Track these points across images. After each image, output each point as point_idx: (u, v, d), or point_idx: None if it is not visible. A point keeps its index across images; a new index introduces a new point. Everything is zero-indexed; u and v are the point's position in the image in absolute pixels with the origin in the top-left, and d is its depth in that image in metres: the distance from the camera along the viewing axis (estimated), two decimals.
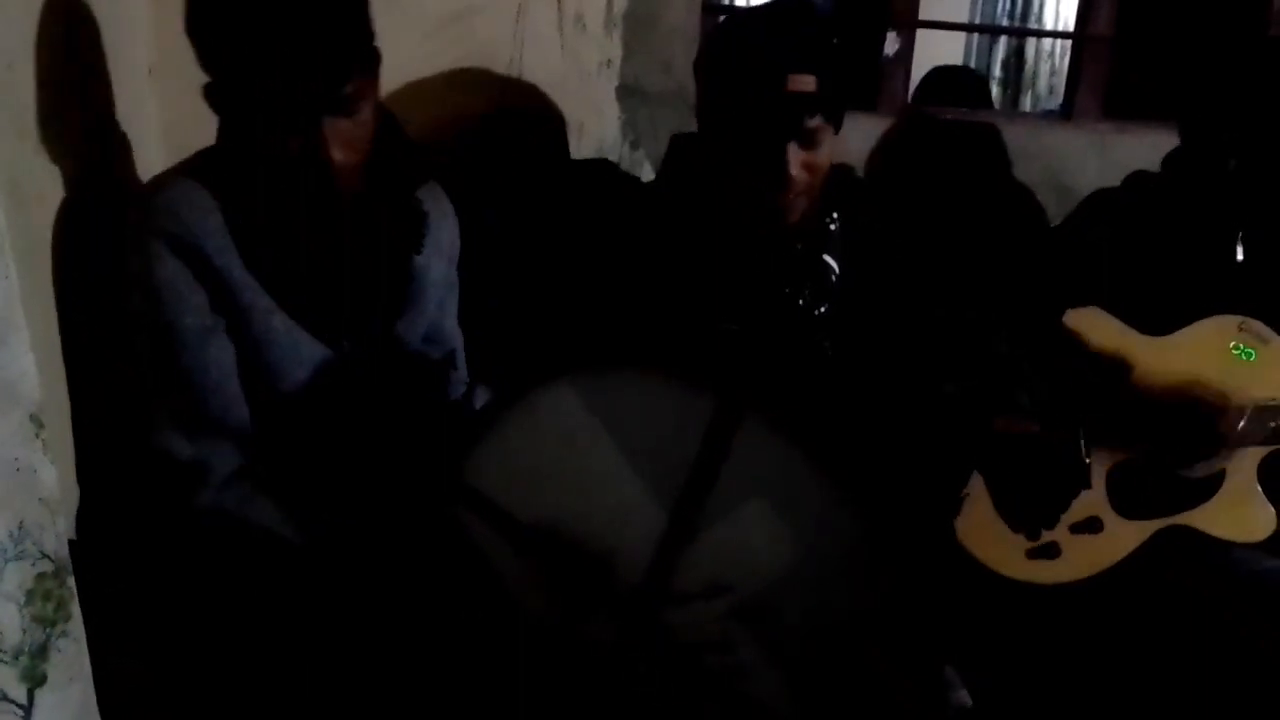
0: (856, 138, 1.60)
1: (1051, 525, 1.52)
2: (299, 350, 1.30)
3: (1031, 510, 1.51)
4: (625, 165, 2.05)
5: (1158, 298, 1.56)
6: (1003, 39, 5.20)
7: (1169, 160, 1.68)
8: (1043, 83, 4.95)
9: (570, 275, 1.49)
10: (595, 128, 2.01)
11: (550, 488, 1.13)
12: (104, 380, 1.32)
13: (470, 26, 1.82)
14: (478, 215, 1.54)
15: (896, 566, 1.16)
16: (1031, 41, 4.96)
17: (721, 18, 1.65)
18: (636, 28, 2.03)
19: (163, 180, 1.28)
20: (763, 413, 1.10)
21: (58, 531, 0.97)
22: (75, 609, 0.99)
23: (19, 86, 1.17)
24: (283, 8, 1.14)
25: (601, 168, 1.98)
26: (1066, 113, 2.29)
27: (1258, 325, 1.54)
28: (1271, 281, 1.58)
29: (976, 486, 1.52)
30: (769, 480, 1.13)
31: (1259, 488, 1.56)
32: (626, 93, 2.06)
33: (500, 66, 1.87)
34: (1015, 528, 1.52)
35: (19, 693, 0.95)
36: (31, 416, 0.94)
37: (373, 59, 1.26)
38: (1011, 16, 5.17)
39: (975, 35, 5.28)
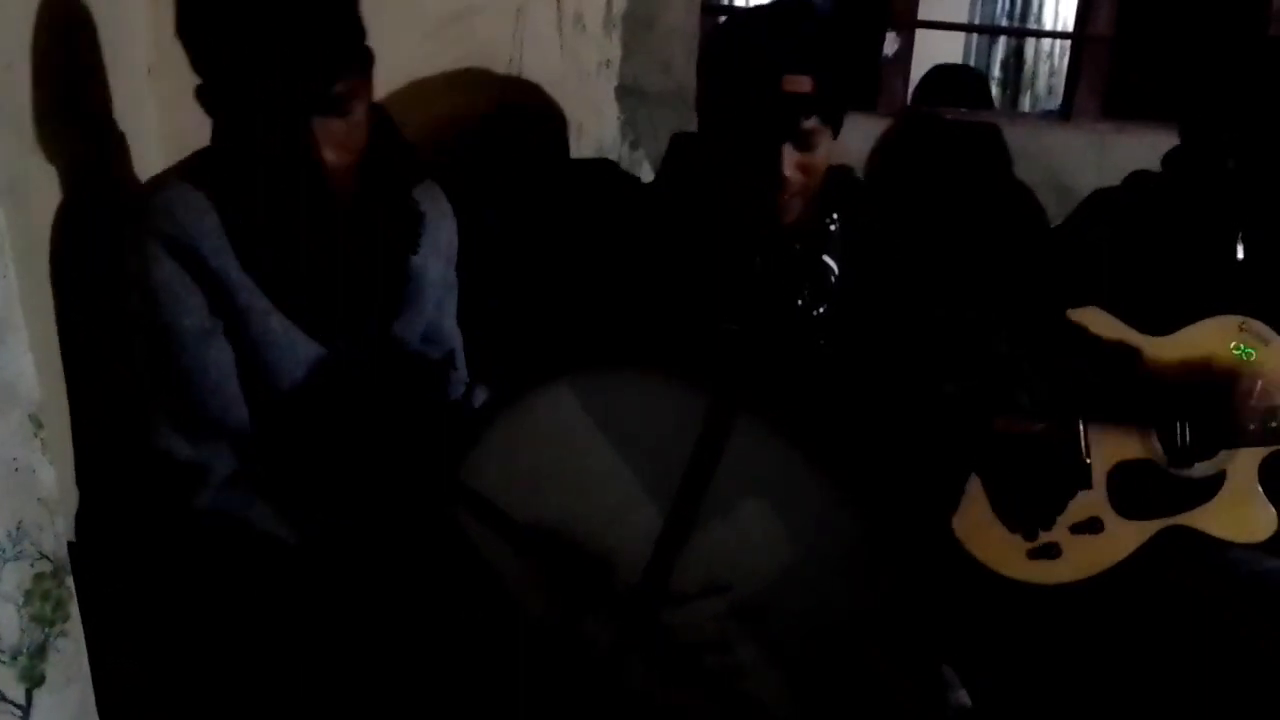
0: (856, 138, 1.60)
1: (1048, 526, 1.52)
2: (296, 351, 1.30)
3: (1029, 510, 1.51)
4: (624, 165, 2.05)
5: (1158, 297, 1.56)
6: (1002, 39, 5.20)
7: (1169, 160, 1.68)
8: (1042, 83, 4.95)
9: (569, 275, 1.49)
10: (594, 128, 2.01)
11: (549, 488, 1.13)
12: (103, 381, 1.32)
13: (470, 27, 1.82)
14: (478, 215, 1.54)
15: (896, 566, 1.16)
16: (1031, 41, 4.96)
17: (722, 18, 1.65)
18: (635, 28, 2.03)
19: (158, 182, 1.28)
20: (761, 413, 1.10)
21: (56, 532, 0.97)
22: (74, 609, 0.99)
23: (18, 87, 1.17)
24: (271, 9, 1.14)
25: (601, 168, 1.98)
26: (1066, 113, 2.28)
27: (1258, 325, 1.54)
28: (1272, 281, 1.58)
29: (974, 487, 1.52)
30: (768, 480, 1.13)
31: (1260, 488, 1.55)
32: (626, 93, 2.06)
33: (500, 67, 1.87)
34: (1012, 528, 1.52)
35: (17, 693, 0.95)
36: (30, 416, 0.94)
37: (364, 59, 1.26)
38: (1011, 17, 5.17)
39: (974, 35, 5.28)
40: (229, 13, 1.14)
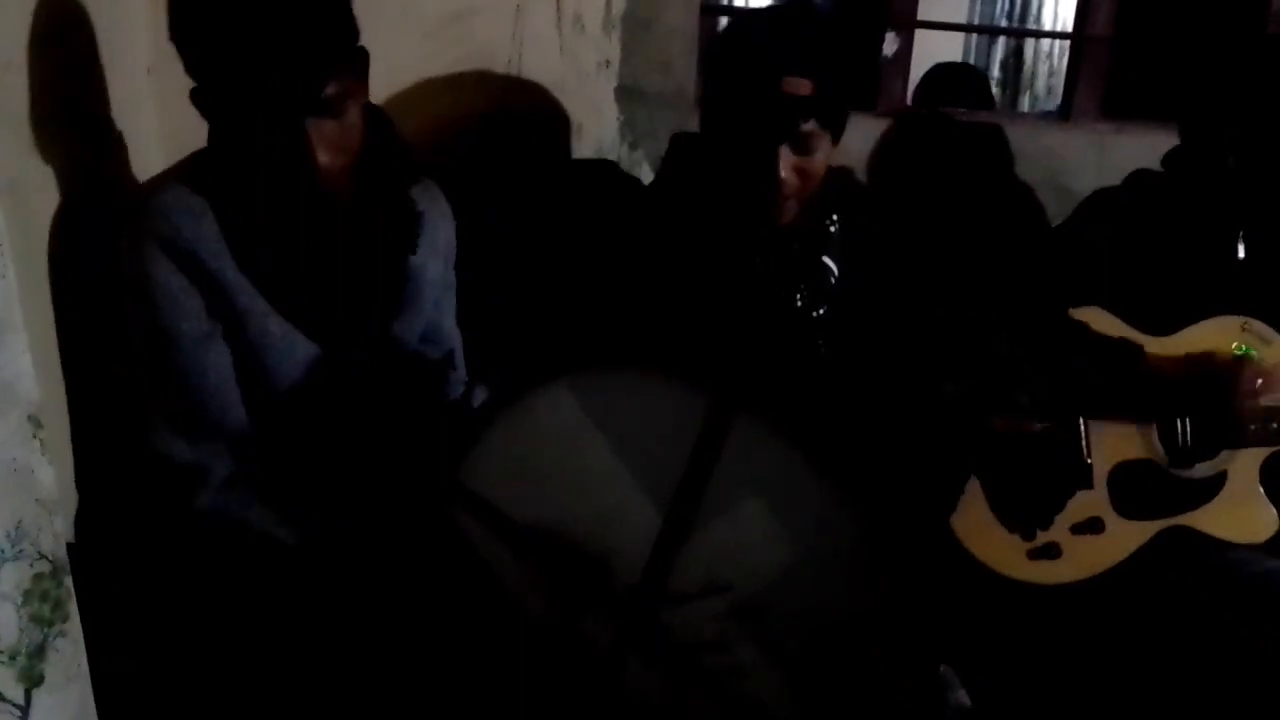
0: (856, 138, 1.61)
1: (1046, 526, 1.52)
2: (295, 352, 1.30)
3: (1027, 510, 1.51)
4: (624, 166, 2.05)
5: (1159, 297, 1.56)
6: (1001, 39, 5.20)
7: (1169, 159, 1.68)
8: (1041, 83, 4.95)
9: (569, 276, 1.49)
10: (594, 128, 2.01)
11: (548, 488, 1.13)
12: (102, 382, 1.32)
13: (469, 27, 1.83)
14: (478, 215, 1.54)
15: (896, 566, 1.16)
16: (1030, 42, 4.96)
17: (721, 18, 1.66)
18: (635, 29, 2.03)
19: (155, 184, 1.28)
20: (760, 413, 1.10)
21: (55, 532, 0.97)
22: (73, 609, 0.99)
23: (16, 87, 1.17)
24: (263, 12, 1.14)
25: (601, 168, 1.98)
26: (1065, 113, 2.28)
27: (1260, 326, 1.54)
28: (1273, 280, 1.58)
29: (974, 487, 1.52)
30: (767, 480, 1.13)
31: (1261, 489, 1.55)
32: (625, 93, 2.06)
33: (499, 67, 1.87)
34: (1011, 528, 1.52)
35: (16, 693, 0.95)
36: (30, 417, 0.94)
37: (357, 60, 1.26)
38: (1010, 17, 5.17)
39: (974, 36, 5.28)
40: (221, 17, 1.15)
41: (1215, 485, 1.55)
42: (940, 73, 3.02)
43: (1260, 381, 1.50)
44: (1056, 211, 2.12)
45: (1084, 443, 1.48)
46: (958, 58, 4.98)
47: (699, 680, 1.14)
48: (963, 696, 1.46)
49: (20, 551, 0.94)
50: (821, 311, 1.46)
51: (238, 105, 1.18)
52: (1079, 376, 1.52)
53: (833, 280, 1.46)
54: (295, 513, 1.28)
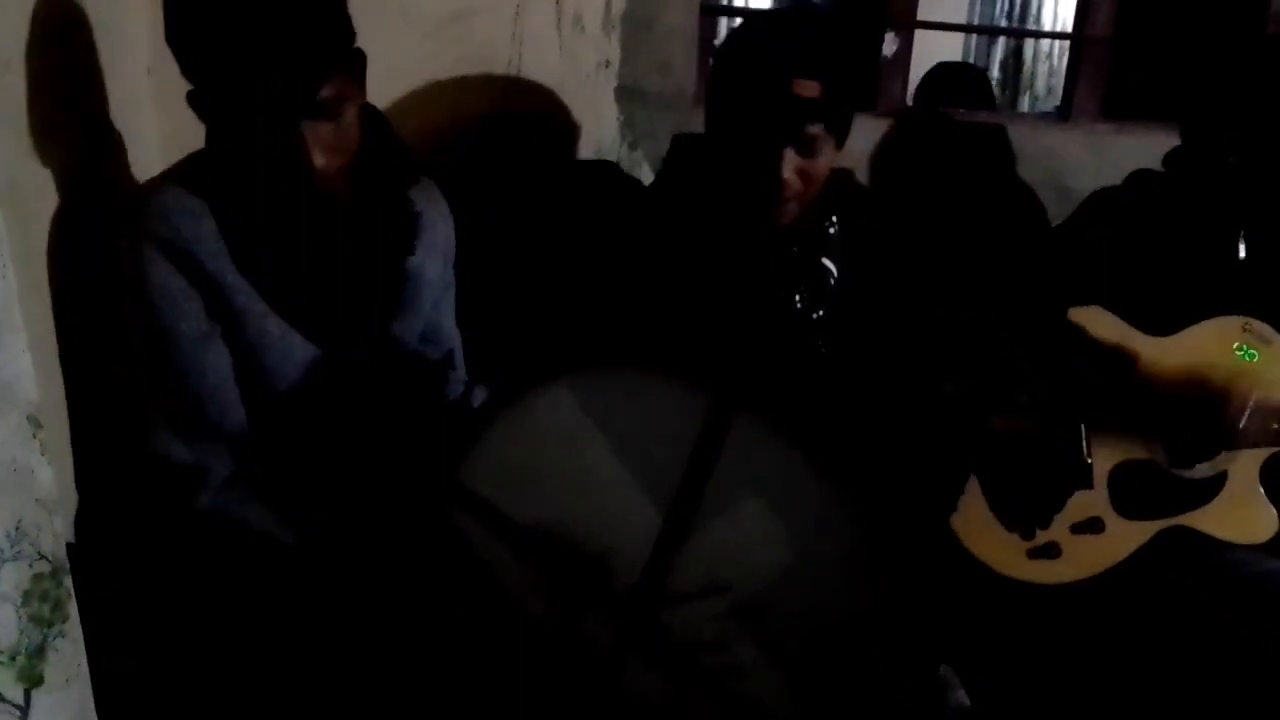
0: (856, 138, 1.61)
1: (1046, 525, 1.52)
2: (294, 353, 1.30)
3: (1026, 510, 1.51)
4: (624, 166, 2.05)
5: (1160, 297, 1.56)
6: (1001, 40, 5.20)
7: (1170, 159, 1.68)
8: (1041, 83, 4.94)
9: (570, 276, 1.49)
10: (594, 129, 2.01)
11: (547, 488, 1.13)
12: (101, 382, 1.32)
13: (469, 27, 1.83)
14: (478, 215, 1.54)
15: (896, 566, 1.16)
16: (1030, 42, 4.95)
17: (721, 18, 1.66)
18: (635, 29, 2.03)
19: (154, 185, 1.28)
20: (760, 414, 1.10)
21: (55, 532, 0.97)
22: (72, 610, 0.99)
23: (16, 87, 1.17)
24: (257, 15, 1.14)
25: (602, 169, 1.98)
26: (1065, 113, 2.28)
27: (1261, 326, 1.54)
28: (1274, 280, 1.58)
29: (974, 486, 1.52)
30: (767, 481, 1.13)
31: (1261, 489, 1.55)
32: (625, 94, 2.06)
33: (499, 67, 1.87)
34: (1010, 527, 1.52)
35: (16, 693, 0.95)
36: (29, 417, 0.94)
37: (353, 61, 1.25)
38: (1010, 17, 5.17)
39: (974, 36, 5.28)
40: (217, 19, 1.14)
41: (1215, 485, 1.55)
42: (941, 72, 3.02)
43: (1253, 403, 1.50)
44: (1056, 211, 2.12)
45: (1084, 443, 1.48)
46: (957, 58, 4.97)
47: (699, 680, 1.14)
48: (962, 697, 1.46)
49: (20, 552, 0.94)
50: (821, 313, 1.46)
51: (234, 108, 1.18)
52: (1079, 376, 1.52)
53: (832, 281, 1.46)
54: (295, 513, 1.28)
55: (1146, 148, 1.78)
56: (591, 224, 1.56)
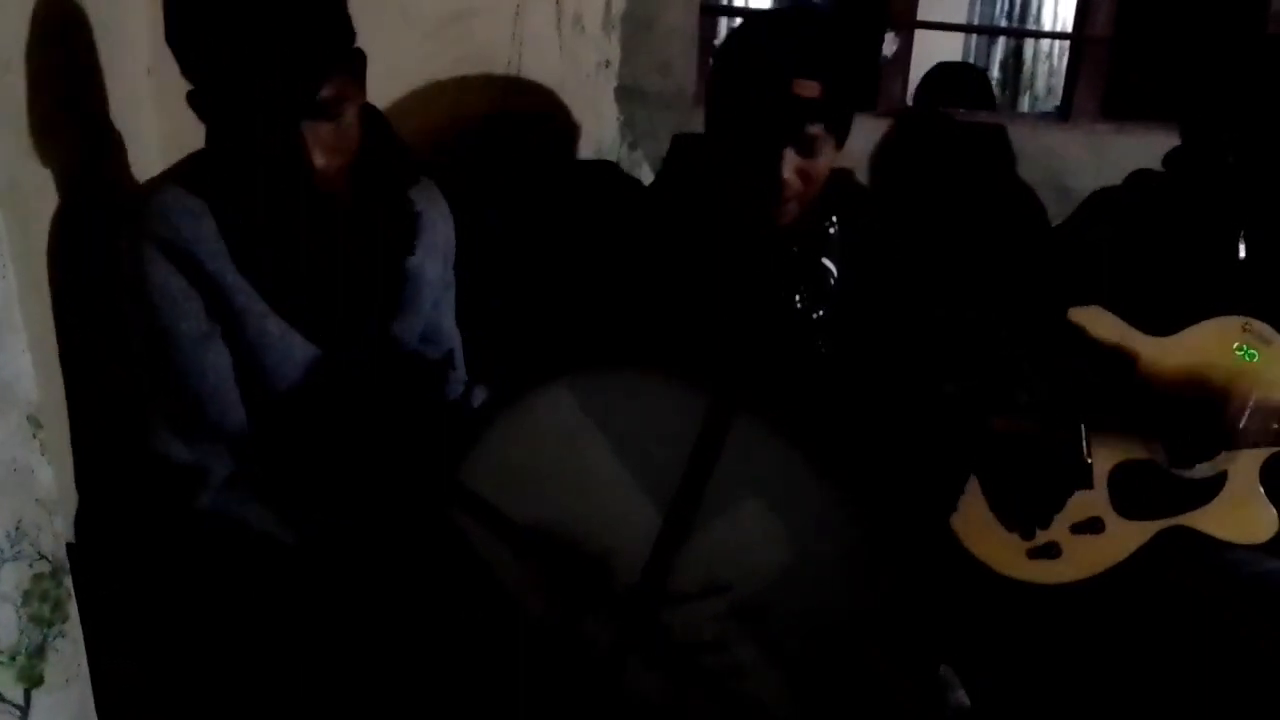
0: (856, 138, 1.61)
1: (1045, 525, 1.52)
2: (294, 353, 1.30)
3: (1026, 510, 1.51)
4: (623, 166, 2.05)
5: (1160, 297, 1.56)
6: (1001, 40, 5.20)
7: (1170, 159, 1.68)
8: (1041, 83, 4.94)
9: (570, 276, 1.49)
10: (593, 129, 2.01)
11: (547, 488, 1.13)
12: (101, 382, 1.32)
13: (469, 28, 1.82)
14: (479, 215, 1.54)
15: (896, 566, 1.16)
16: (1030, 42, 4.95)
17: (721, 18, 1.66)
18: (635, 29, 2.03)
19: (154, 186, 1.28)
20: (760, 414, 1.10)
21: (55, 532, 0.97)
22: (72, 610, 0.99)
23: (16, 88, 1.17)
24: (257, 15, 1.13)
25: (602, 169, 1.98)
26: (1065, 113, 2.28)
27: (1261, 326, 1.54)
28: (1274, 281, 1.58)
29: (974, 486, 1.52)
30: (767, 481, 1.13)
31: (1261, 489, 1.55)
32: (625, 94, 2.06)
33: (499, 67, 1.87)
34: (1010, 527, 1.52)
35: (16, 693, 0.95)
36: (29, 417, 0.94)
37: (352, 61, 1.25)
38: (1010, 17, 5.17)
39: (974, 36, 5.28)
40: (216, 20, 1.14)
41: (1215, 485, 1.55)
42: (941, 72, 3.02)
43: (1253, 403, 1.50)
44: (1055, 212, 2.12)
45: (1084, 443, 1.48)
46: (957, 58, 4.98)
47: (699, 680, 1.14)
48: (962, 697, 1.46)
49: (20, 552, 0.93)
50: (821, 313, 1.46)
51: (234, 108, 1.18)
52: (1079, 376, 1.52)
53: (832, 281, 1.46)
54: (295, 513, 1.28)
55: (1146, 148, 1.78)
56: (592, 224, 1.56)
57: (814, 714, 1.15)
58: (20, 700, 0.95)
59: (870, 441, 1.33)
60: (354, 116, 1.24)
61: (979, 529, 1.52)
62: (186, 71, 1.19)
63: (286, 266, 1.27)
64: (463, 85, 1.84)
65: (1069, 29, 2.86)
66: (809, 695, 1.15)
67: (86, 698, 1.03)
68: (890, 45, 2.19)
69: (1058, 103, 2.67)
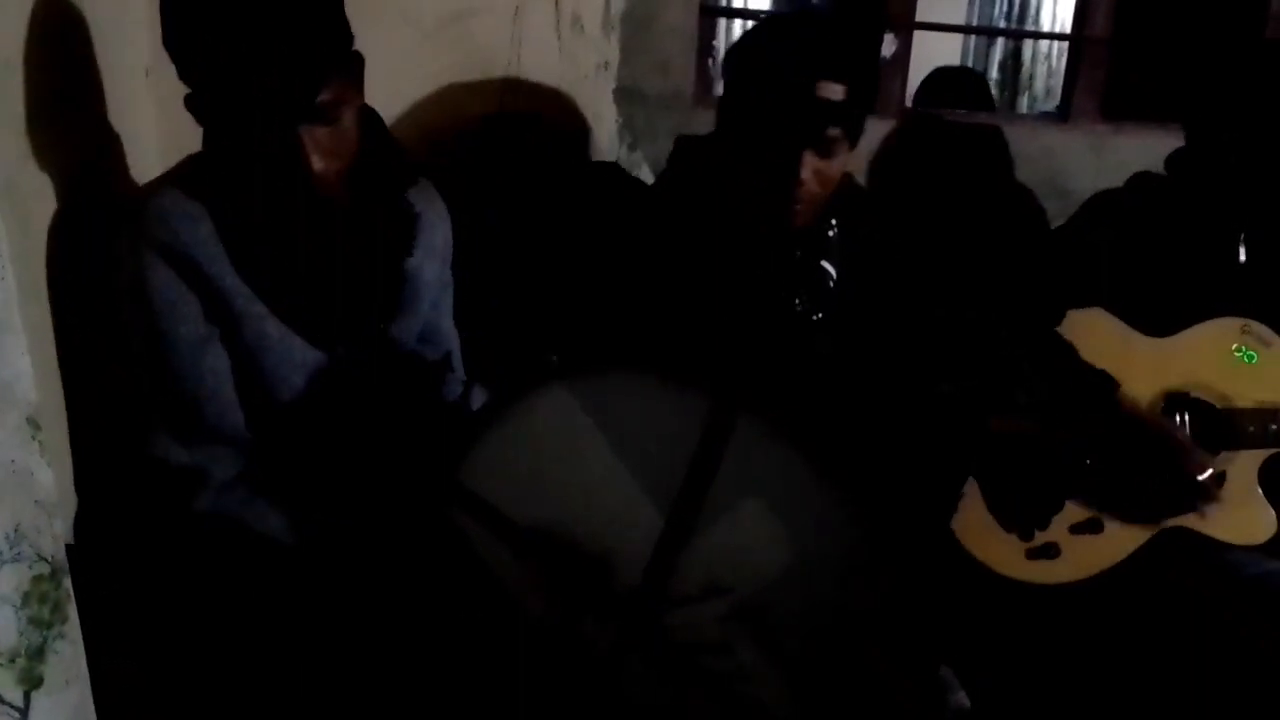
0: None
1: (1044, 526, 1.52)
2: (293, 356, 1.30)
3: (1025, 511, 1.51)
4: (623, 167, 2.05)
5: (1160, 299, 1.56)
6: (1000, 41, 5.20)
7: (1171, 161, 1.68)
8: (1040, 84, 4.95)
9: (570, 276, 1.49)
10: (592, 130, 2.01)
11: (547, 490, 1.13)
12: (100, 383, 1.32)
13: (468, 29, 1.83)
14: (478, 216, 1.54)
15: (896, 566, 1.16)
16: (1029, 43, 4.96)
17: (720, 19, 1.65)
18: (634, 29, 2.03)
19: (152, 189, 1.28)
20: (760, 415, 1.10)
21: (54, 534, 0.97)
22: (72, 611, 0.99)
23: (14, 89, 1.17)
24: (254, 20, 1.13)
25: (604, 170, 1.98)
26: (1064, 114, 2.29)
27: (1260, 328, 1.54)
28: (1273, 283, 1.58)
29: (974, 487, 1.52)
30: (767, 482, 1.13)
31: (1260, 490, 1.55)
32: (624, 95, 2.06)
33: (498, 68, 1.87)
34: (1008, 528, 1.52)
35: (15, 695, 0.95)
36: (28, 419, 0.93)
37: (350, 64, 1.25)
38: (1009, 18, 5.17)
39: (972, 37, 5.28)
40: (213, 24, 1.14)
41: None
42: (940, 76, 3.02)
43: (1205, 466, 1.48)
44: (1055, 212, 2.12)
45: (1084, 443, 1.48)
46: (956, 59, 4.99)
47: (699, 681, 1.14)
48: (963, 698, 1.46)
49: (19, 553, 0.93)
50: (820, 315, 1.46)
51: (232, 112, 1.18)
52: (1079, 377, 1.52)
53: (831, 284, 1.47)
54: (294, 514, 1.28)
55: (1146, 148, 1.78)
56: (594, 225, 1.56)
57: (814, 715, 1.15)
58: (20, 702, 0.95)
59: (870, 442, 1.33)
60: (352, 119, 1.24)
61: (978, 530, 1.52)
62: (184, 75, 1.19)
63: (285, 269, 1.27)
64: (461, 86, 1.84)
65: (1068, 30, 2.87)
66: (809, 696, 1.14)
67: (86, 699, 1.03)
68: (889, 46, 2.19)
69: (1057, 104, 2.67)
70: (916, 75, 2.77)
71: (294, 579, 1.24)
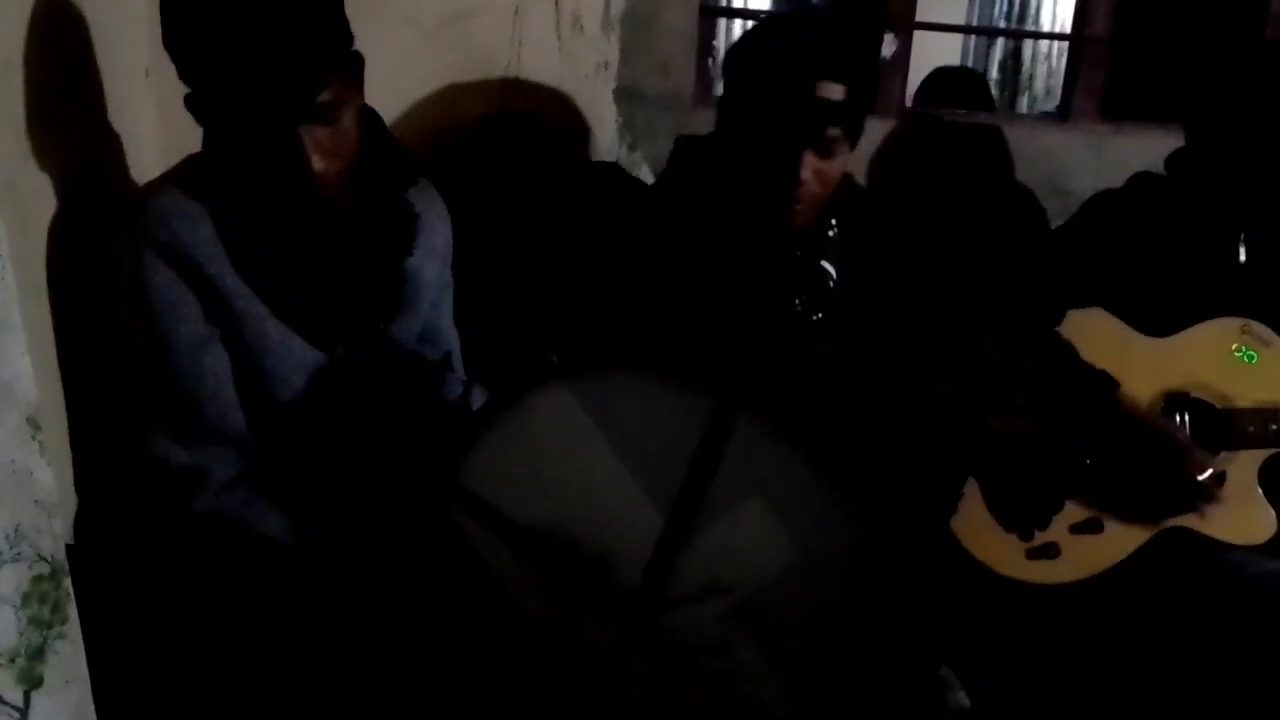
0: None
1: (1044, 526, 1.52)
2: (293, 356, 1.30)
3: (1025, 510, 1.51)
4: (622, 167, 2.05)
5: (1160, 299, 1.56)
6: (1000, 41, 5.21)
7: (1172, 161, 1.68)
8: (1040, 84, 4.95)
9: (570, 276, 1.49)
10: (592, 130, 2.01)
11: (547, 490, 1.13)
12: (100, 383, 1.32)
13: (468, 29, 1.83)
14: (478, 216, 1.54)
15: (896, 566, 1.16)
16: (1028, 43, 4.96)
17: (720, 19, 1.66)
18: (634, 30, 2.03)
19: (152, 189, 1.28)
20: (760, 415, 1.10)
21: (54, 534, 0.97)
22: (72, 611, 0.99)
23: (14, 88, 1.17)
24: (254, 20, 1.13)
25: (604, 170, 1.98)
26: (1064, 114, 2.29)
27: (1260, 328, 1.54)
28: (1273, 283, 1.58)
29: (974, 487, 1.52)
30: (767, 482, 1.12)
31: (1260, 490, 1.56)
32: (624, 95, 2.06)
33: (498, 68, 1.87)
34: (1008, 528, 1.52)
35: (15, 695, 0.95)
36: (28, 419, 0.94)
37: (350, 64, 1.25)
38: (1009, 18, 5.17)
39: (972, 37, 5.28)
40: (213, 25, 1.14)
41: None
42: (940, 77, 3.03)
43: (1205, 466, 1.48)
44: (1055, 212, 2.13)
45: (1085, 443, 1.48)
46: (956, 59, 4.99)
47: (699, 681, 1.14)
48: (963, 698, 1.46)
49: (19, 554, 0.93)
50: (820, 315, 1.46)
51: (231, 112, 1.18)
52: (1079, 377, 1.52)
53: (830, 284, 1.47)
54: (295, 514, 1.28)
55: (1145, 148, 1.78)
56: (594, 225, 1.56)
57: (814, 715, 1.15)
58: (20, 702, 0.95)
59: (870, 442, 1.33)
60: (352, 119, 1.24)
61: (978, 530, 1.52)
62: (184, 75, 1.19)
63: (285, 269, 1.27)
64: (461, 86, 1.84)
65: (1068, 29, 2.87)
66: (809, 696, 1.14)
67: (86, 699, 1.03)
68: (889, 46, 2.19)
69: (1057, 104, 2.67)
70: (916, 75, 2.77)
71: (294, 579, 1.24)
